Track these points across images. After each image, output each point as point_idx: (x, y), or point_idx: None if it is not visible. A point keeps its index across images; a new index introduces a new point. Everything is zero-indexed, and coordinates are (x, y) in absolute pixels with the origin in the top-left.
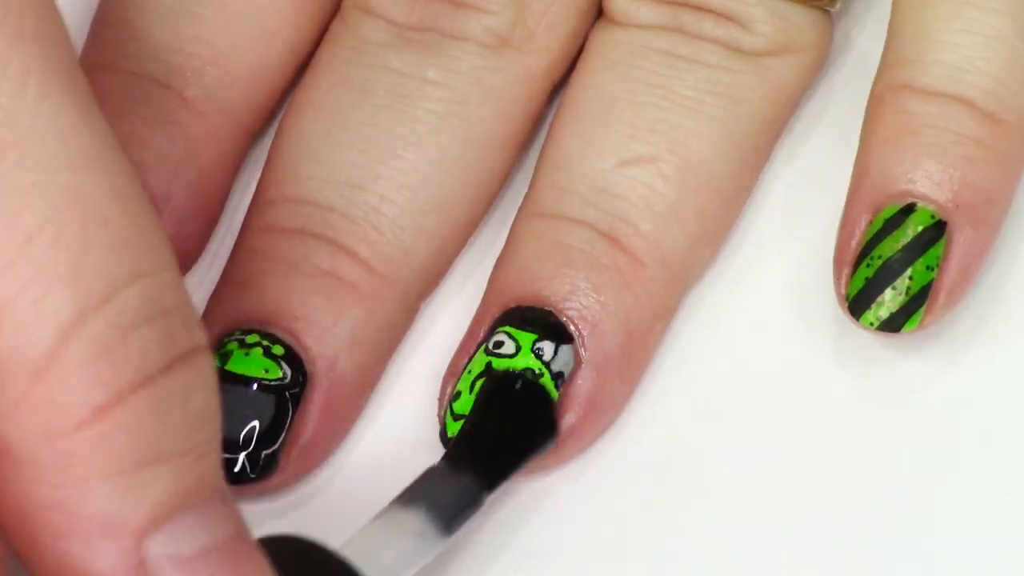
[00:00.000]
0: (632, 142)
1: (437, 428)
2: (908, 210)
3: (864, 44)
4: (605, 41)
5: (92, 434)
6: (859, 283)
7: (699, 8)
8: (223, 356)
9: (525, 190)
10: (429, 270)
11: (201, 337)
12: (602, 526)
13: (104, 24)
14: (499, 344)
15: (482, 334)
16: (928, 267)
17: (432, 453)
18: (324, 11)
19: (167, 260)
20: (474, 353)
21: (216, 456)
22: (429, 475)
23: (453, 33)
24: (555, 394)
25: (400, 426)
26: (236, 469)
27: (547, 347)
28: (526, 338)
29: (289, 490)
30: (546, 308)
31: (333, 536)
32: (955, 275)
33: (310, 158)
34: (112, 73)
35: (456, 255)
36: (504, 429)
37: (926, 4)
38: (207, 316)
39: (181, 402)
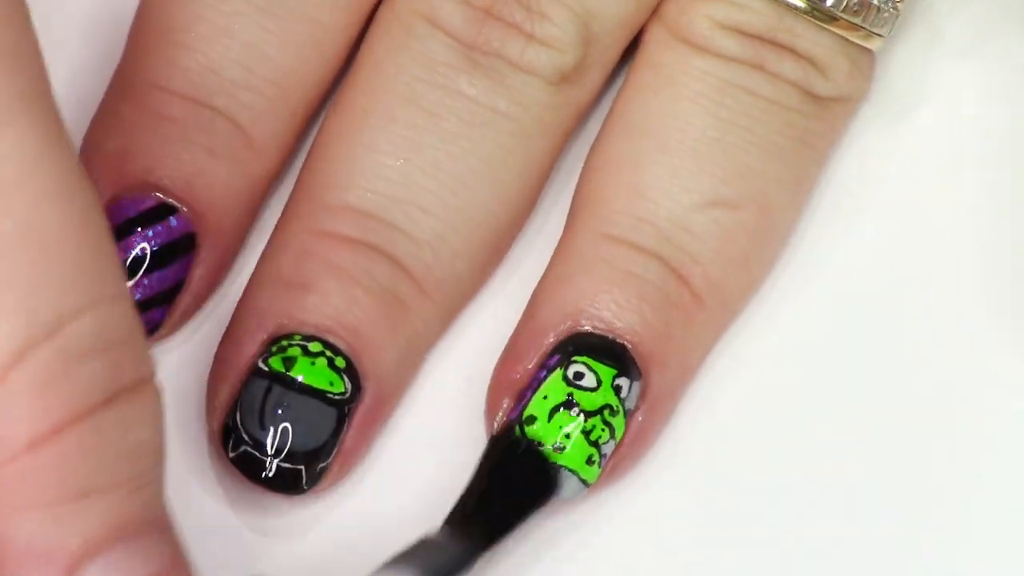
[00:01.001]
0: (721, 185)
1: (472, 435)
2: None
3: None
4: (683, 66)
5: (27, 465)
6: None
7: (782, 47)
8: (286, 360)
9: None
10: (470, 293)
11: (149, 368)
12: (633, 550)
13: (169, 44)
14: (579, 376)
15: (546, 352)
16: None
17: (451, 456)
18: (362, 30)
19: (120, 289)
20: (545, 377)
21: (156, 487)
22: (423, 540)
23: (522, 65)
24: (623, 431)
25: (421, 429)
26: (296, 480)
27: (625, 384)
28: (606, 372)
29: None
30: (622, 342)
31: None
32: None
33: (379, 173)
34: (180, 99)
35: (489, 279)
36: (503, 494)
37: None
38: (252, 310)
39: (121, 434)
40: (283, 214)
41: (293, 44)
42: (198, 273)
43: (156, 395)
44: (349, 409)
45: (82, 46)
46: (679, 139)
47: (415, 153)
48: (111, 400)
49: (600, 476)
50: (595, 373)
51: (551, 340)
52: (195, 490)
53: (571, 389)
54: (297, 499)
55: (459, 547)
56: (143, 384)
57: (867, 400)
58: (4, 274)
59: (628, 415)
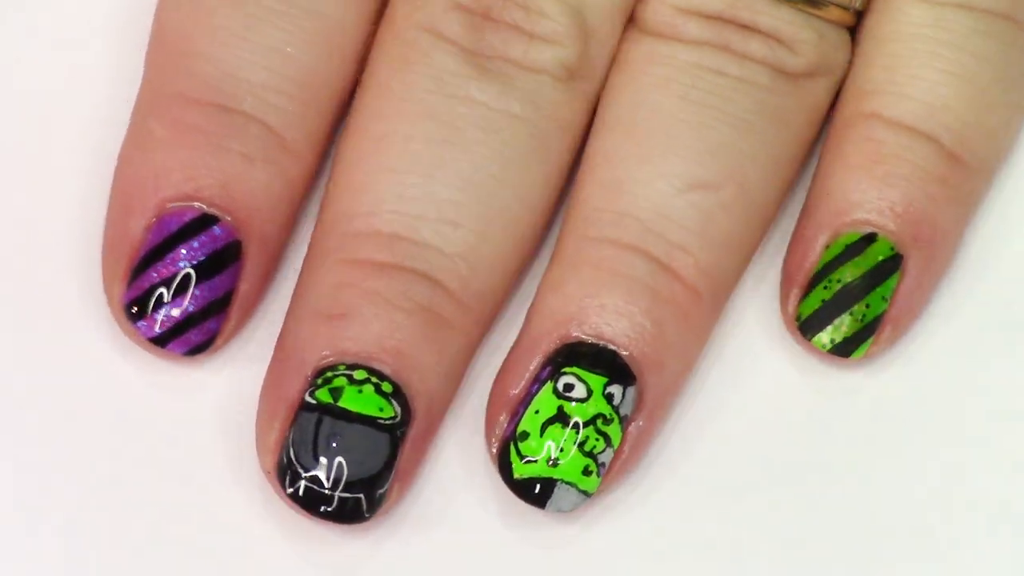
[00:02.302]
0: (696, 167)
1: (484, 451)
2: (870, 239)
3: None
4: (649, 56)
5: None
6: (814, 304)
7: (746, 27)
8: (333, 392)
9: None
10: (504, 301)
11: None
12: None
13: (189, 55)
14: (569, 387)
15: (538, 365)
16: (883, 297)
17: (458, 464)
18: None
19: None
20: (536, 390)
21: None
22: None
23: (527, 64)
24: (620, 438)
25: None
26: (357, 509)
27: (617, 391)
28: (596, 381)
29: None
30: (613, 348)
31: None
32: (903, 309)
33: (403, 194)
34: (206, 108)
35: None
36: None
37: (904, 36)
38: (294, 346)
39: None
40: (311, 248)
41: (311, 42)
42: (247, 281)
43: None
44: (402, 432)
45: (109, 58)
46: (648, 127)
47: (436, 168)
48: None
49: (601, 484)
50: (585, 383)
51: (542, 352)
52: (249, 523)
53: (561, 401)
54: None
55: None
56: None
57: (872, 405)
58: None
59: (624, 421)
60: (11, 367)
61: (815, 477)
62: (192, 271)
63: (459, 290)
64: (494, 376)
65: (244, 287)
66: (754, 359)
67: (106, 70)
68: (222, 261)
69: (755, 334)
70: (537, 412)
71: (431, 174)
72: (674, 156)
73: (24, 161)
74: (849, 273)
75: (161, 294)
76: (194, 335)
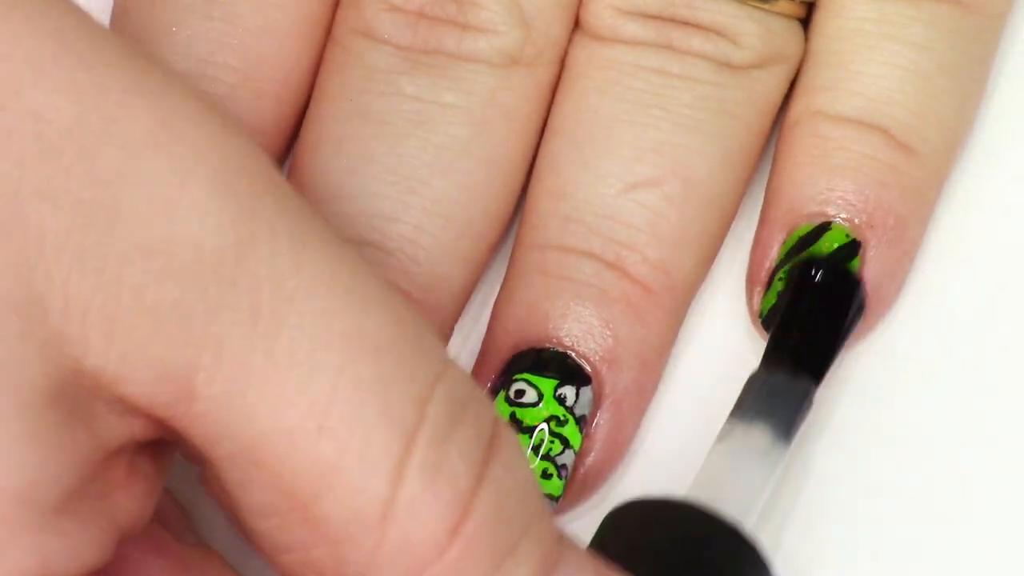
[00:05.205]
0: (636, 165)
1: None
2: (823, 228)
3: None
4: (591, 59)
5: (455, 554)
6: (772, 298)
7: (687, 23)
8: None
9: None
10: (463, 294)
11: (494, 408)
12: None
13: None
14: (520, 393)
15: (494, 376)
16: None
17: None
18: (327, 17)
19: (444, 354)
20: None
21: (548, 506)
22: (756, 385)
23: (462, 55)
24: (579, 439)
25: None
26: None
27: (569, 392)
28: (547, 384)
29: None
30: (562, 350)
31: None
32: (870, 296)
33: (337, 194)
34: None
35: (481, 275)
36: (818, 320)
37: (848, 33)
38: None
39: (511, 480)
40: None
41: (243, 26)
42: None
43: (509, 427)
44: None
45: None
46: (588, 130)
47: (367, 164)
48: (490, 456)
49: (572, 485)
50: (535, 387)
51: (497, 363)
52: None
53: (513, 408)
54: None
55: (798, 383)
56: (498, 423)
57: (856, 402)
58: (355, 393)
59: (583, 422)
60: None
61: (790, 471)
62: None
63: (404, 285)
64: None
65: None
66: (732, 358)
67: None
68: None
69: (731, 334)
70: None
71: (361, 170)
72: (614, 156)
73: None
74: None
75: None
76: None
